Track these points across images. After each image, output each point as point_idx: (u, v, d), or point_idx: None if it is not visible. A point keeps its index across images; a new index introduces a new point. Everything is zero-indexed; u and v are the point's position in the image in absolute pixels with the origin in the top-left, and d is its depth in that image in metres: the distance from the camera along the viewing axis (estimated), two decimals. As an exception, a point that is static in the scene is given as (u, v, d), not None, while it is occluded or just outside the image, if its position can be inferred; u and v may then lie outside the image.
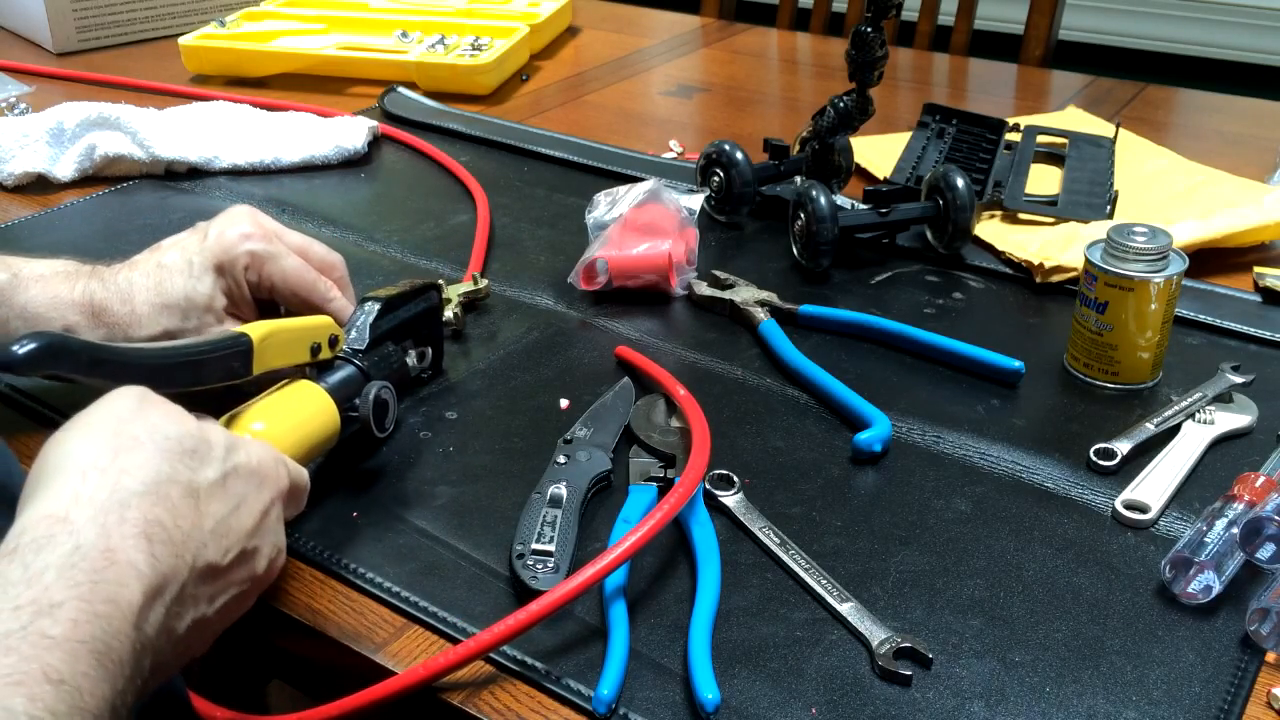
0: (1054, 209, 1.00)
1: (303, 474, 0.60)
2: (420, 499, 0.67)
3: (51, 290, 0.70)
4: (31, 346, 0.52)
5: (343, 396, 0.67)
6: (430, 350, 0.77)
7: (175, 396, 0.55)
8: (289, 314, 0.74)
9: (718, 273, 0.90)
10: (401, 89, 1.33)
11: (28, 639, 0.41)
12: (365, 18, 1.49)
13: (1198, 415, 0.73)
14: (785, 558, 0.62)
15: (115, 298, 0.71)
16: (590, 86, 1.40)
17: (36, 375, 0.53)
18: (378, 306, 0.72)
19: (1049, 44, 1.56)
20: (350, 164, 1.15)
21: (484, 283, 0.89)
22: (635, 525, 0.58)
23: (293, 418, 0.63)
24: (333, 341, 0.68)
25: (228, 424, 0.61)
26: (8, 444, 0.59)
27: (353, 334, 0.70)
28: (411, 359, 0.75)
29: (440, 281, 0.79)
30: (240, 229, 0.73)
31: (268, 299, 0.74)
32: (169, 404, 0.53)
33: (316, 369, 0.68)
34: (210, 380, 0.60)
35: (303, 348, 0.66)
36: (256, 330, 0.63)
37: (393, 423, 0.70)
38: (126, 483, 0.48)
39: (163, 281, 0.72)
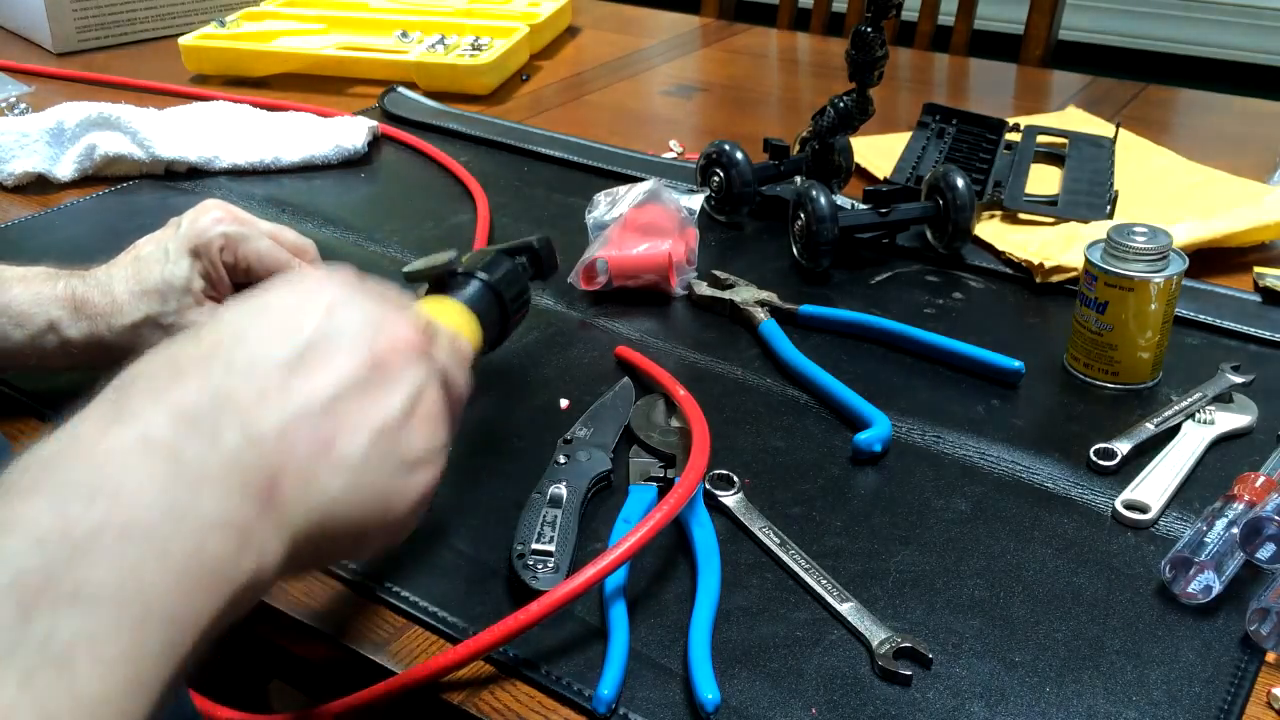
0: (1054, 209, 1.00)
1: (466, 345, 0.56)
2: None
3: (34, 289, 0.72)
4: None
5: (482, 310, 0.64)
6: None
7: None
8: None
9: (718, 273, 0.90)
10: (401, 89, 1.33)
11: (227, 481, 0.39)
12: (365, 18, 1.49)
13: (1198, 415, 0.73)
14: (785, 558, 0.62)
15: (96, 290, 0.72)
16: (590, 86, 1.40)
17: None
18: (493, 249, 0.70)
19: (1049, 44, 1.56)
20: (350, 164, 1.15)
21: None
22: (635, 525, 0.58)
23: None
24: (453, 271, 0.65)
25: None
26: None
27: (474, 259, 0.67)
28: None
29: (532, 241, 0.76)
30: (212, 215, 0.75)
31: (244, 281, 0.75)
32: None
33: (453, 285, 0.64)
34: None
35: (444, 249, 0.65)
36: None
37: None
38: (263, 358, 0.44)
39: (140, 270, 0.73)
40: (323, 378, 0.44)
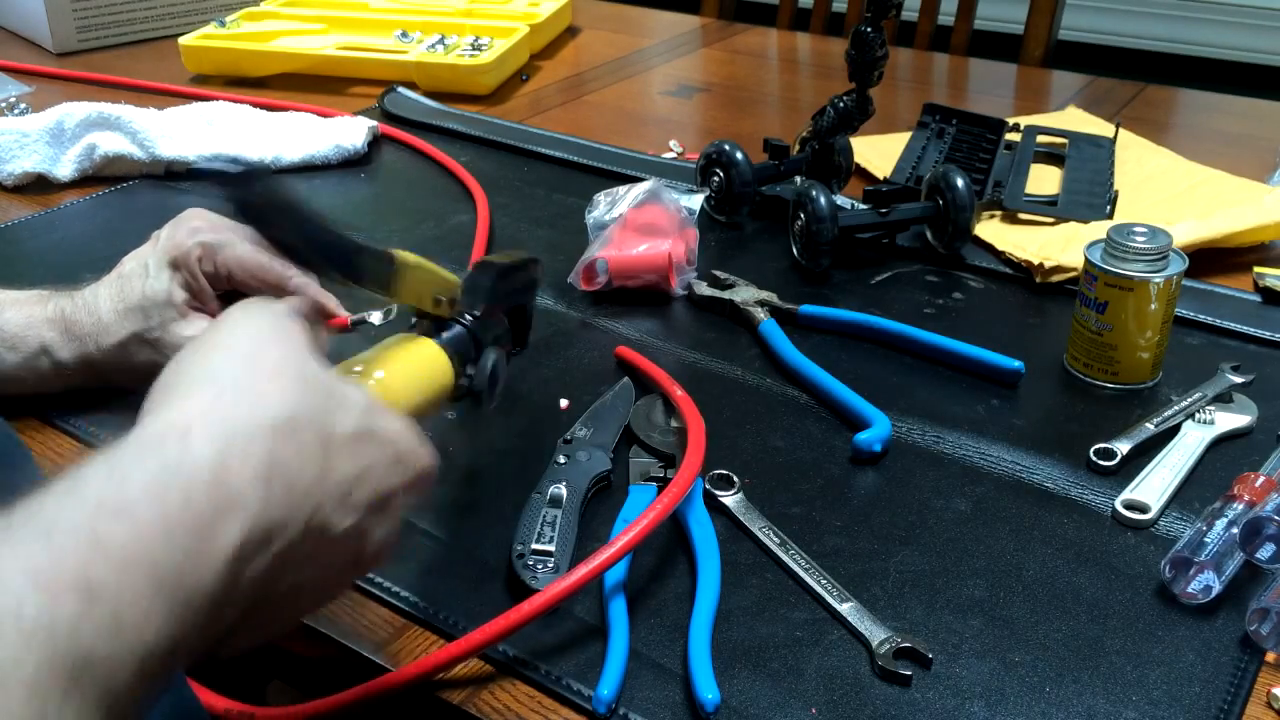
0: (1054, 209, 1.00)
1: (433, 458, 0.52)
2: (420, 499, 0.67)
3: (26, 311, 0.73)
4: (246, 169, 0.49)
5: (454, 354, 0.62)
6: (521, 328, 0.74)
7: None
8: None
9: (718, 273, 0.90)
10: (401, 89, 1.33)
11: (76, 534, 0.36)
12: (365, 18, 1.49)
13: (1198, 415, 0.73)
14: (785, 558, 0.62)
15: (82, 310, 0.73)
16: (590, 86, 1.40)
17: (246, 197, 0.49)
18: (493, 272, 0.68)
19: (1049, 44, 1.56)
20: (350, 164, 1.15)
21: (484, 283, 0.88)
22: (632, 522, 0.58)
23: (411, 369, 0.59)
24: (452, 300, 0.65)
25: (344, 372, 0.56)
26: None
27: (466, 298, 0.66)
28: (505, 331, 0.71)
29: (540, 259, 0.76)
30: (189, 225, 0.75)
31: (229, 290, 0.75)
32: (305, 334, 0.48)
33: (433, 325, 0.64)
34: (364, 276, 0.57)
35: (429, 294, 0.63)
36: (397, 252, 0.61)
37: (500, 397, 0.65)
38: (262, 411, 0.43)
39: (124, 288, 0.74)
40: (333, 552, 0.45)
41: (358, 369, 0.56)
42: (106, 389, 0.76)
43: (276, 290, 0.74)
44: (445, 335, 0.63)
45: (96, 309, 0.73)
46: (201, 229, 0.74)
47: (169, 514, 0.38)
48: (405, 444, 0.49)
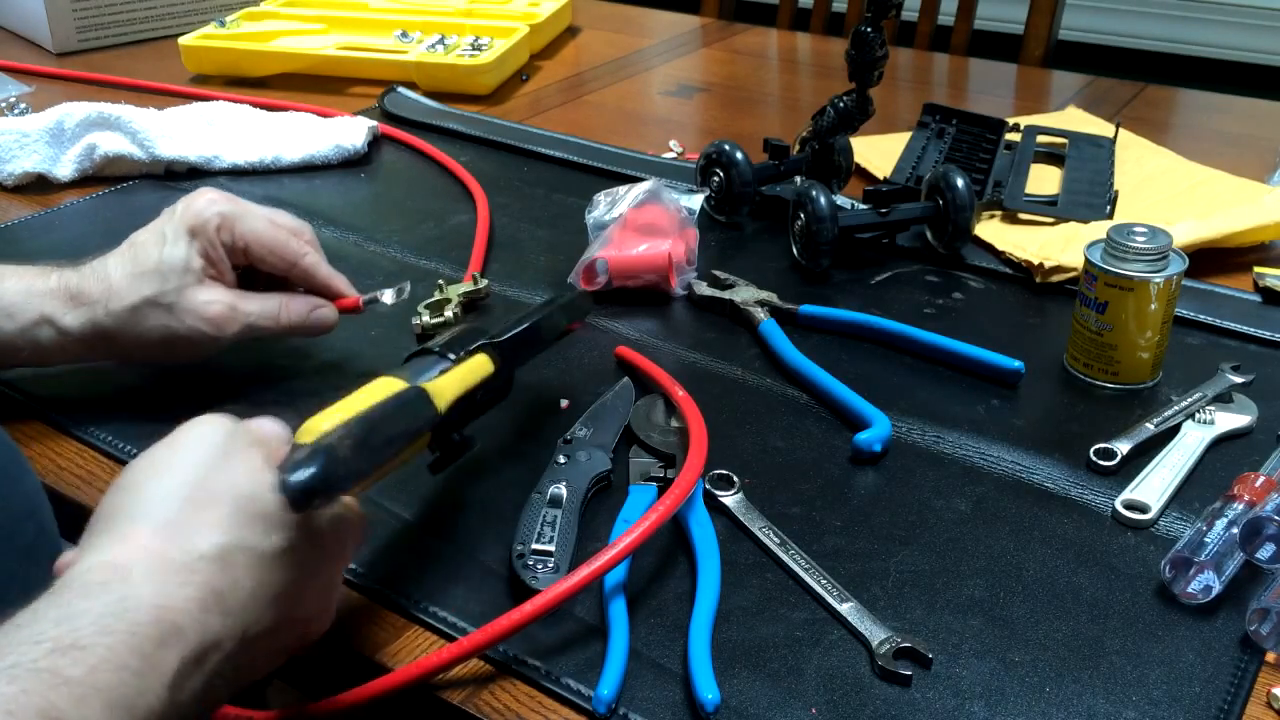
0: (1054, 209, 1.00)
1: (365, 529, 0.57)
2: (420, 499, 0.67)
3: (26, 282, 0.72)
4: (311, 471, 0.48)
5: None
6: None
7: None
8: (267, 285, 0.75)
9: (718, 273, 0.90)
10: (401, 89, 1.33)
11: (37, 673, 0.40)
12: (365, 18, 1.49)
13: (1198, 415, 0.73)
14: (785, 558, 0.62)
15: (90, 279, 0.72)
16: (590, 86, 1.40)
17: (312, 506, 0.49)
18: (526, 326, 0.68)
19: (1049, 44, 1.56)
20: (350, 164, 1.15)
21: (484, 283, 0.89)
22: (633, 524, 0.58)
23: None
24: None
25: (311, 429, 0.55)
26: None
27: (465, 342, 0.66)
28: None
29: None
30: (207, 196, 0.74)
31: (244, 264, 0.75)
32: (252, 448, 0.51)
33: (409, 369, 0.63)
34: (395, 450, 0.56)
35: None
36: (442, 401, 0.59)
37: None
38: (197, 544, 0.47)
39: (137, 254, 0.73)
40: (270, 646, 0.50)
41: (326, 425, 0.55)
42: (108, 389, 0.77)
43: (289, 267, 0.75)
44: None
45: (106, 275, 0.72)
46: (219, 200, 0.74)
47: (116, 648, 0.42)
48: (343, 530, 0.53)
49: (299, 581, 0.50)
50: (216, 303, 0.72)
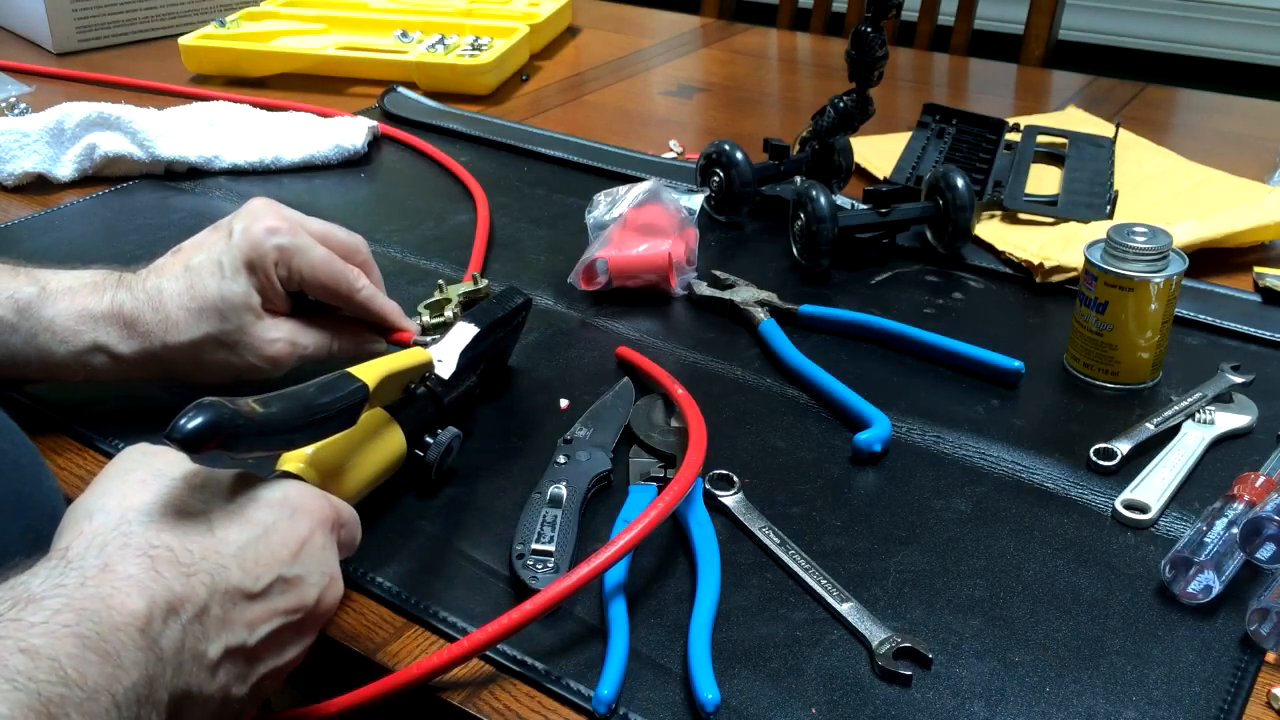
0: (1054, 209, 1.00)
1: (351, 512, 0.57)
2: (420, 499, 0.67)
3: (79, 303, 0.70)
4: (199, 421, 0.49)
5: (414, 429, 0.65)
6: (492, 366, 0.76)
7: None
8: (319, 308, 0.74)
9: (718, 273, 0.90)
10: (401, 89, 1.33)
11: (3, 623, 0.41)
12: (365, 18, 1.49)
13: (1198, 415, 0.73)
14: (785, 558, 0.62)
15: (146, 306, 0.70)
16: (590, 86, 1.40)
17: (197, 451, 0.50)
18: (475, 334, 0.70)
19: (1049, 44, 1.56)
20: (350, 164, 1.15)
21: (484, 283, 0.88)
22: (632, 522, 0.58)
23: (364, 452, 0.61)
24: (423, 378, 0.67)
25: (293, 455, 0.58)
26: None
27: (442, 361, 0.68)
28: (474, 378, 0.73)
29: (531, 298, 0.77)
30: (265, 223, 0.71)
31: (297, 291, 0.73)
32: (173, 451, 0.52)
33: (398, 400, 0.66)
34: (330, 434, 0.58)
35: (399, 389, 0.65)
36: (371, 376, 0.60)
37: (449, 464, 0.68)
38: (131, 517, 0.48)
39: (194, 285, 0.70)
40: (270, 612, 0.50)
41: (309, 451, 0.59)
42: (129, 401, 0.76)
43: (344, 301, 0.73)
44: (406, 411, 0.65)
45: (163, 305, 0.70)
46: (279, 230, 0.71)
47: (69, 594, 0.44)
48: (298, 498, 0.54)
49: (265, 539, 0.51)
50: (278, 342, 0.71)
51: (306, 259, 0.71)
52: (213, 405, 0.50)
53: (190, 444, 0.49)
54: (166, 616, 0.45)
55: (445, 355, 0.69)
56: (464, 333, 0.70)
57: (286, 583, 0.51)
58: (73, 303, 0.70)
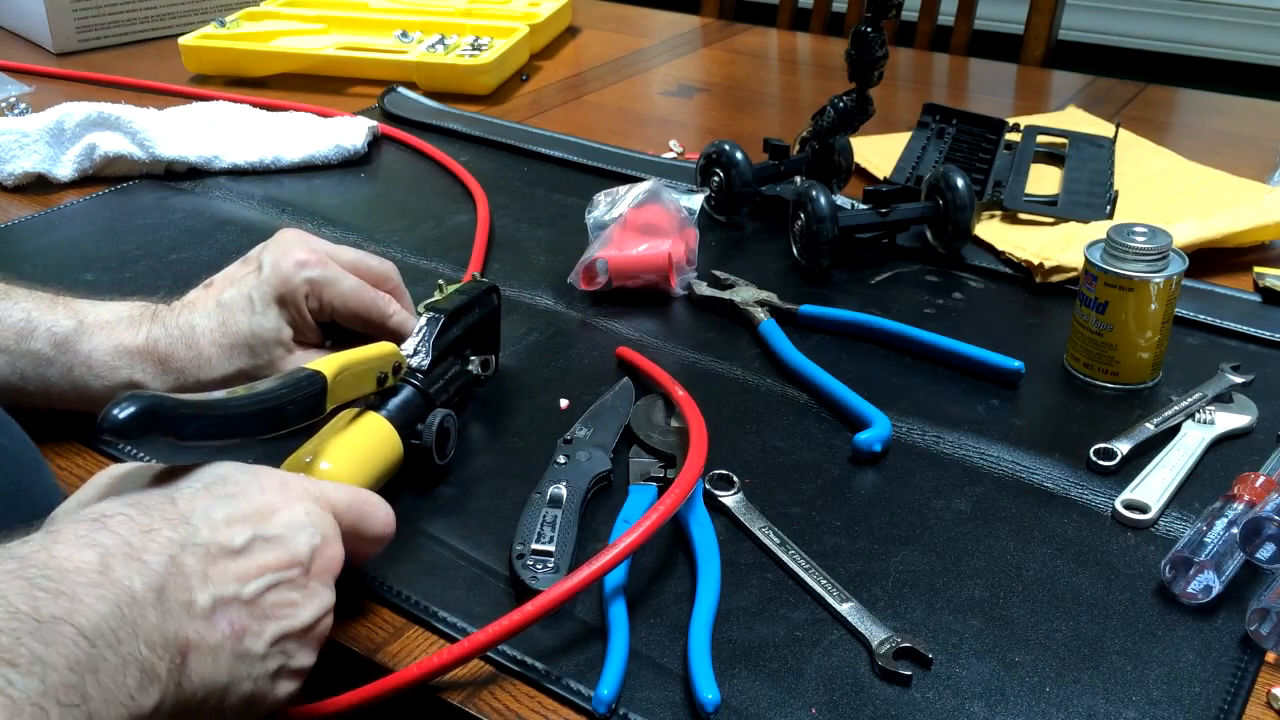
0: (1054, 209, 1.00)
1: (355, 498, 0.57)
2: (420, 499, 0.67)
3: (115, 338, 0.70)
4: (131, 410, 0.49)
5: (405, 422, 0.65)
6: (492, 357, 0.77)
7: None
8: (351, 337, 0.74)
9: (718, 273, 0.90)
10: (401, 89, 1.33)
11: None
12: (365, 18, 1.49)
13: (1198, 415, 0.73)
14: (785, 558, 0.62)
15: (179, 343, 0.70)
16: (590, 86, 1.40)
17: (136, 439, 0.51)
18: (440, 320, 0.70)
19: (1049, 44, 1.56)
20: (350, 164, 1.15)
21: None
22: (634, 524, 0.58)
23: (358, 452, 0.62)
24: (396, 369, 0.67)
25: (292, 466, 0.59)
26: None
27: (415, 354, 0.69)
28: (474, 367, 0.74)
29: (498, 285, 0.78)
30: (294, 257, 0.71)
31: (329, 321, 0.73)
32: (146, 466, 0.53)
33: (379, 395, 0.66)
34: (291, 424, 0.58)
35: (370, 379, 0.65)
36: (328, 367, 0.61)
37: (454, 449, 0.69)
38: (87, 501, 0.50)
39: (226, 321, 0.70)
40: (258, 567, 0.50)
41: (307, 459, 0.59)
42: None
43: (376, 329, 0.73)
44: (391, 405, 0.66)
45: (195, 342, 0.70)
46: (309, 263, 0.71)
47: (15, 551, 0.44)
48: (268, 473, 0.54)
49: (233, 501, 0.51)
50: None
51: (337, 290, 0.71)
52: (145, 394, 0.51)
53: (124, 431, 0.49)
54: (128, 561, 0.46)
55: (415, 346, 0.70)
56: (428, 322, 0.71)
57: (267, 540, 0.51)
58: (109, 338, 0.70)
